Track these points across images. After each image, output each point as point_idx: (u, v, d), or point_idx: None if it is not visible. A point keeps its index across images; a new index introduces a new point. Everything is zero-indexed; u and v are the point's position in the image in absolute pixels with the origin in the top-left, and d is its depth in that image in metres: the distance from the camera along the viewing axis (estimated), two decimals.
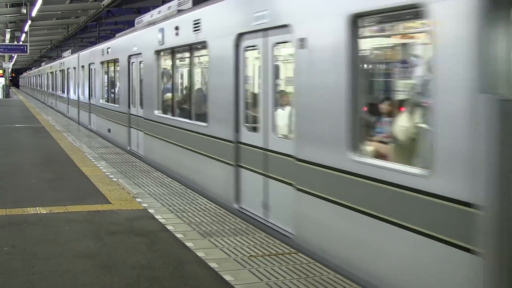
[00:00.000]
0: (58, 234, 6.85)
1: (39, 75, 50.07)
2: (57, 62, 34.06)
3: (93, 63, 19.80)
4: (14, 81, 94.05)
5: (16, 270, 5.58)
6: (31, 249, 6.24)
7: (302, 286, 5.20)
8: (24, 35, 38.26)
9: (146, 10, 29.45)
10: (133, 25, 15.68)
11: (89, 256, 6.00)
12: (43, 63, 48.10)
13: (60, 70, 31.20)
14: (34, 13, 29.38)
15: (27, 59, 75.17)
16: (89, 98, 20.87)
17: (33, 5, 28.06)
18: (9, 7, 32.32)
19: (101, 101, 18.62)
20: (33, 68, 66.42)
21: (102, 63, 18.48)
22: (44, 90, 43.89)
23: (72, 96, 25.80)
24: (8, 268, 5.64)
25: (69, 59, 27.08)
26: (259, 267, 5.68)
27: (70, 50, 30.58)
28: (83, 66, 22.26)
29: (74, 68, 24.63)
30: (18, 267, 5.65)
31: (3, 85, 51.83)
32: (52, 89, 36.46)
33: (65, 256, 6.00)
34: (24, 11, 29.36)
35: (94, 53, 20.20)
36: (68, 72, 27.29)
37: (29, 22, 32.46)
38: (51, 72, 36.70)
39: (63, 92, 29.96)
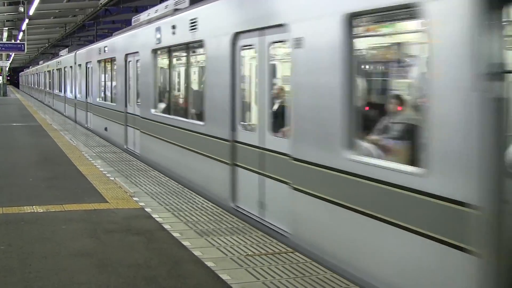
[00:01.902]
0: (55, 232, 6.84)
1: (57, 69, 31.20)
2: (109, 41, 17.48)
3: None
4: (12, 80, 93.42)
5: (13, 268, 5.58)
6: (27, 247, 6.23)
7: (299, 285, 5.21)
8: (21, 33, 38.16)
9: (144, 8, 29.41)
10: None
11: (86, 255, 5.99)
12: (64, 51, 31.45)
13: (138, 60, 13.10)
14: (31, 12, 29.32)
15: (25, 57, 75.01)
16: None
17: (30, 3, 28.00)
18: (7, 5, 32.28)
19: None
20: (40, 62, 49.89)
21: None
22: (71, 98, 25.41)
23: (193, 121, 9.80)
24: (5, 266, 5.64)
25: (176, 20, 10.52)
26: (255, 266, 5.68)
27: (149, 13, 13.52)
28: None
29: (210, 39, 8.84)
30: (14, 266, 5.65)
31: (0, 84, 51.72)
32: (103, 98, 18.52)
33: (62, 255, 6.00)
34: (21, 9, 29.29)
35: None
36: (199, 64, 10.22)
37: (27, 20, 32.38)
38: (100, 61, 18.33)
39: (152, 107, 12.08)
